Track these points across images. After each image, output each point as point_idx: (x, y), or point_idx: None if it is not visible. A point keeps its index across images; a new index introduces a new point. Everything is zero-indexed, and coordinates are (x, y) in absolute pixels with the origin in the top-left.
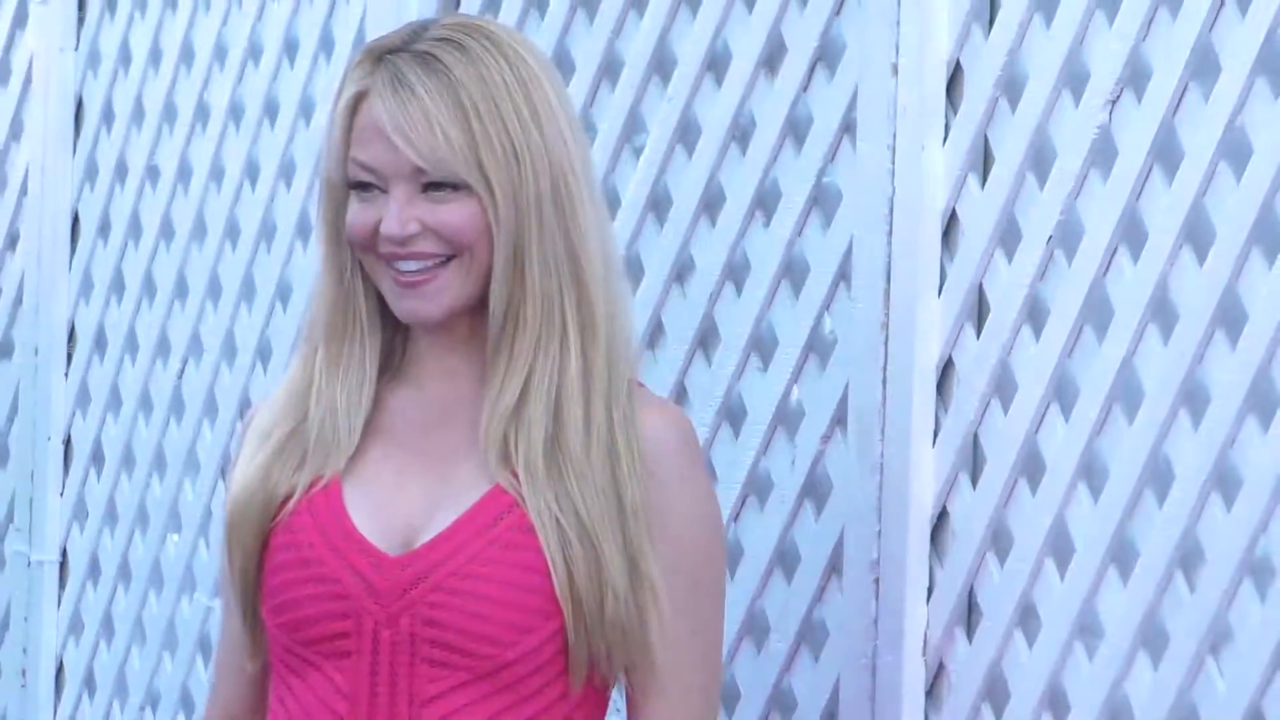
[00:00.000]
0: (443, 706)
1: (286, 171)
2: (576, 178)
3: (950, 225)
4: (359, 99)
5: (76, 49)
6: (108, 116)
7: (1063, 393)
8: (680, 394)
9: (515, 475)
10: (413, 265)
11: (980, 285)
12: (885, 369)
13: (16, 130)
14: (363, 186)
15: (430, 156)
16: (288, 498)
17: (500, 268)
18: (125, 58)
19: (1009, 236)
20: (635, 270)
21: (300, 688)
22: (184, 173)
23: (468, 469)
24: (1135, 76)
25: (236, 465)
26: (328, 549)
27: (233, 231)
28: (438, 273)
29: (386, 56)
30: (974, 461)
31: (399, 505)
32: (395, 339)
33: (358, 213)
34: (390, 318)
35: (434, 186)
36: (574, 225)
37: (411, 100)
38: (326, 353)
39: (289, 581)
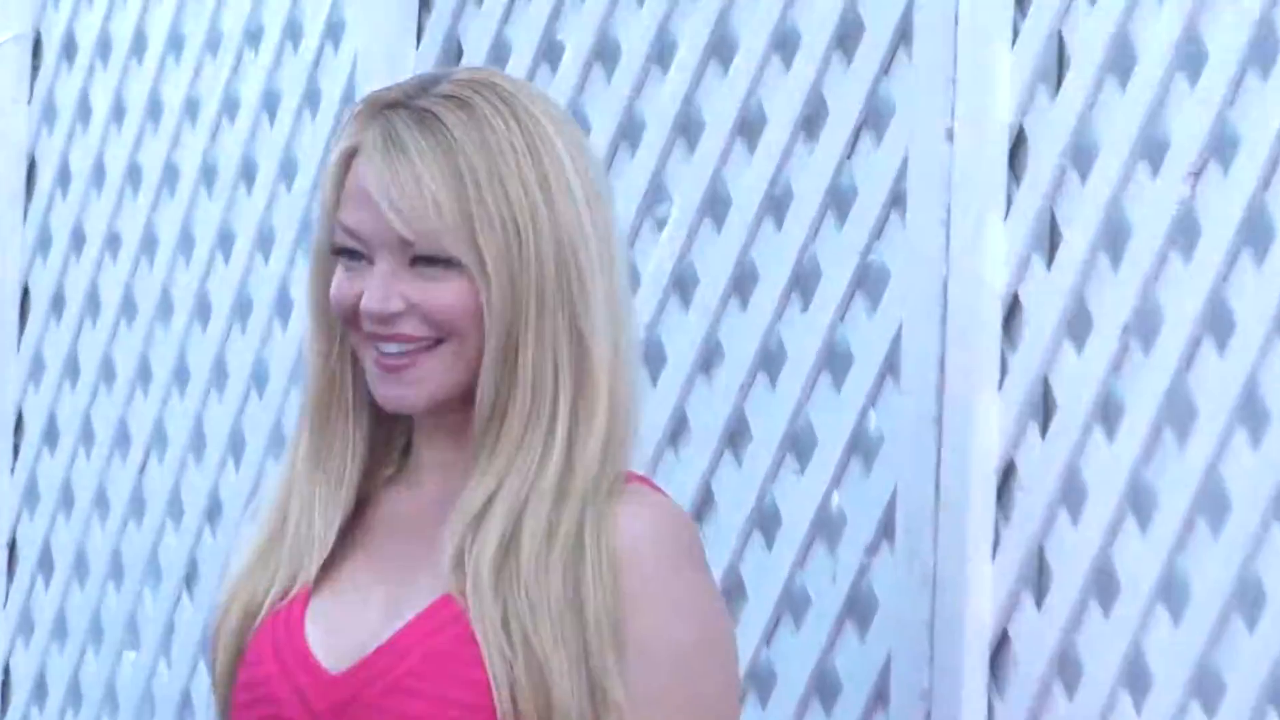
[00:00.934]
0: None
1: (264, 240)
2: (589, 255)
3: (1012, 310)
4: (350, 155)
5: (30, 102)
6: (63, 178)
7: (1139, 502)
8: (706, 498)
9: (456, 581)
10: (394, 348)
11: (1046, 379)
12: (938, 472)
13: None
14: (349, 254)
15: (419, 227)
16: (263, 604)
17: (490, 356)
18: (84, 112)
19: (1078, 324)
20: (656, 356)
21: None
22: (149, 242)
23: (429, 575)
24: (1221, 145)
25: (236, 558)
26: (278, 668)
27: (203, 308)
28: (422, 357)
29: (384, 111)
30: (1039, 578)
31: (362, 616)
32: (397, 428)
33: (342, 283)
34: None
35: (423, 261)
36: (581, 310)
37: (402, 162)
38: (309, 442)
39: (244, 703)
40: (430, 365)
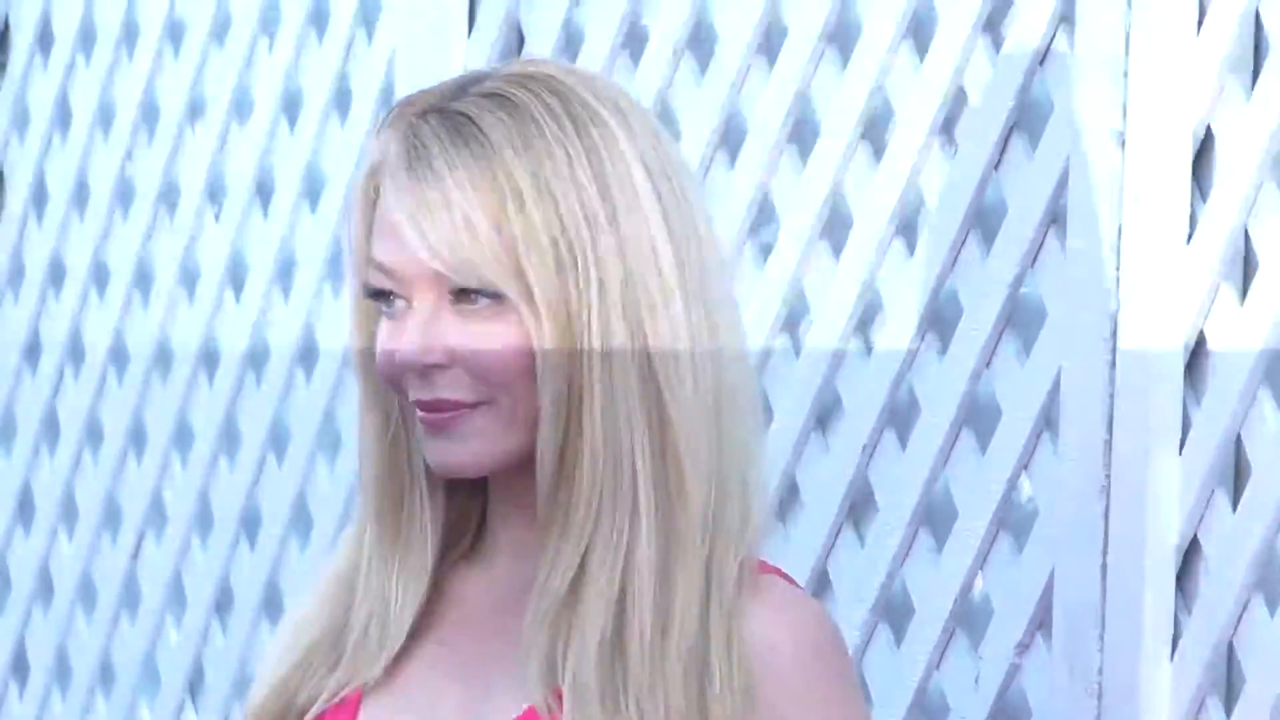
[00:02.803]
0: None
1: (283, 273)
2: (667, 287)
3: (1197, 354)
4: (375, 175)
5: None
6: (39, 198)
7: None
8: (822, 582)
9: (559, 696)
10: (444, 407)
11: (1238, 438)
12: (1105, 553)
13: None
14: (385, 296)
15: (449, 255)
16: (304, 712)
17: (548, 410)
18: (63, 117)
19: (1277, 370)
20: (763, 411)
21: None
22: (143, 277)
23: (509, 680)
24: None
25: (268, 656)
26: None
27: (209, 358)
28: (471, 413)
29: (412, 119)
30: (1228, 682)
31: None
32: (473, 501)
33: (382, 336)
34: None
35: (466, 297)
36: (659, 354)
37: (430, 179)
38: (377, 529)
39: None
40: (480, 420)
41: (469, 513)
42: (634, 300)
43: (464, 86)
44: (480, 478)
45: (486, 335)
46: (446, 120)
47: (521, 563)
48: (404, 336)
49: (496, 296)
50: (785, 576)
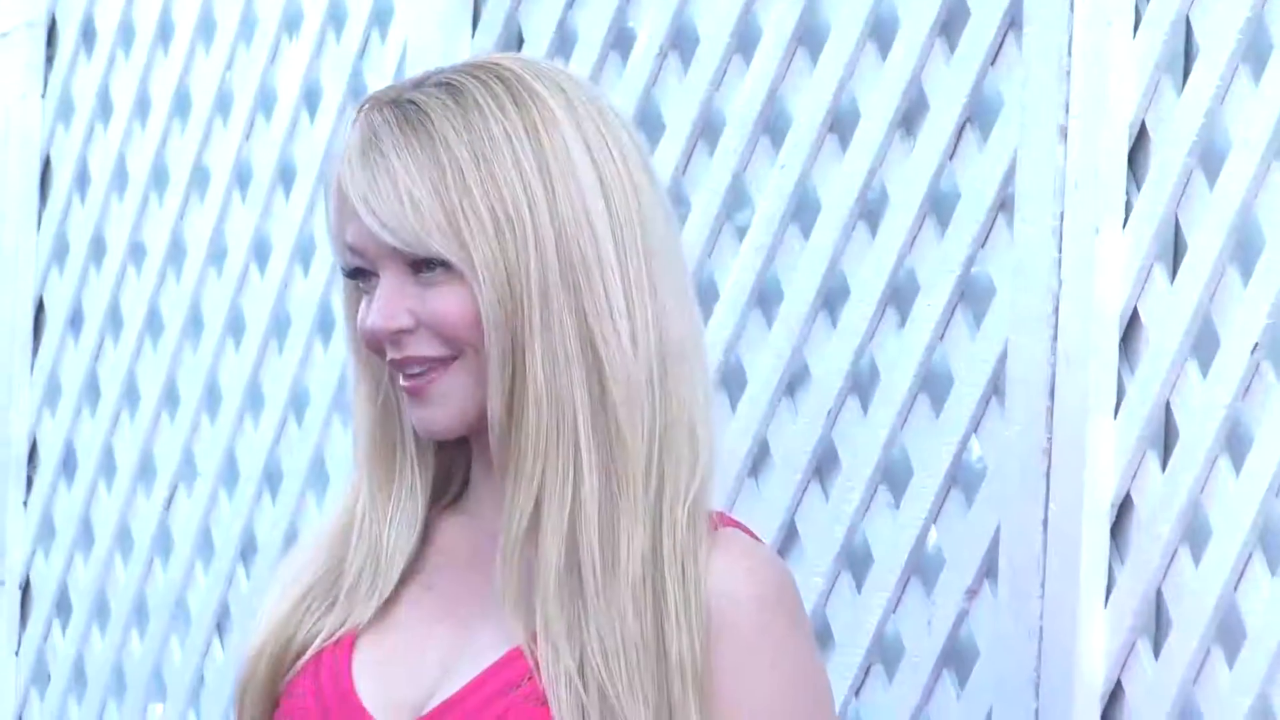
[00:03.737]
0: None
1: (303, 251)
2: (604, 247)
3: (1130, 329)
4: (339, 165)
5: (44, 95)
6: (82, 180)
7: (1268, 541)
8: (790, 534)
9: (534, 635)
10: (414, 368)
11: (1167, 404)
12: (1047, 508)
13: None
14: (359, 274)
15: (399, 230)
16: (304, 651)
17: (494, 365)
18: (104, 107)
19: (1203, 344)
20: (736, 379)
21: None
22: (176, 252)
23: (493, 620)
24: None
25: (268, 599)
26: (321, 718)
27: (236, 326)
28: (441, 374)
29: (370, 111)
30: (1156, 626)
31: (416, 663)
32: (459, 456)
33: (362, 309)
34: None
35: (424, 266)
36: (594, 311)
37: (379, 163)
38: (371, 482)
39: None
40: (451, 382)
41: (454, 468)
42: (569, 263)
43: (421, 80)
44: (462, 437)
45: (443, 298)
46: (398, 109)
47: (499, 512)
48: (375, 309)
49: (446, 265)
50: (746, 530)
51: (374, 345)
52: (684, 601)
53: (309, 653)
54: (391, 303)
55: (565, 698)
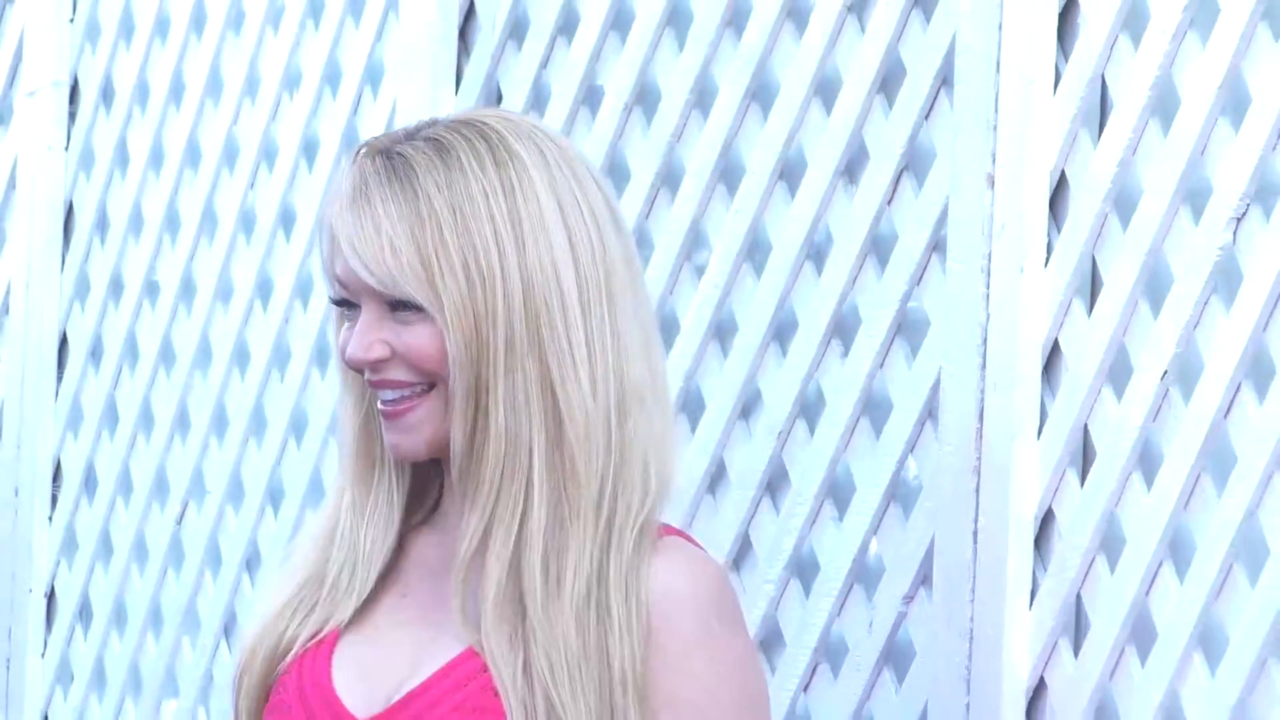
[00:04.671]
0: None
1: (303, 289)
2: (568, 299)
3: (1052, 358)
4: (328, 205)
5: (67, 148)
6: (101, 225)
7: (1177, 550)
8: (744, 546)
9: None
10: (391, 394)
11: (1085, 426)
12: (976, 521)
13: None
14: (344, 304)
15: (379, 272)
16: (291, 648)
17: (458, 401)
18: (122, 158)
19: (1118, 371)
20: (695, 406)
21: None
22: (187, 289)
23: (453, 627)
24: (1263, 191)
25: (262, 601)
26: (303, 712)
27: (241, 356)
28: (417, 403)
29: (363, 159)
30: (1076, 627)
31: (389, 661)
32: (433, 476)
33: (344, 334)
34: None
35: (401, 306)
36: (555, 359)
37: (366, 210)
38: (353, 492)
39: None
40: (424, 411)
41: (429, 485)
42: (534, 312)
43: (414, 132)
44: (436, 458)
45: (415, 335)
46: (388, 160)
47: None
48: (354, 339)
49: (419, 307)
50: (689, 538)
51: (355, 366)
52: (627, 615)
53: (294, 650)
54: (368, 334)
55: (513, 696)
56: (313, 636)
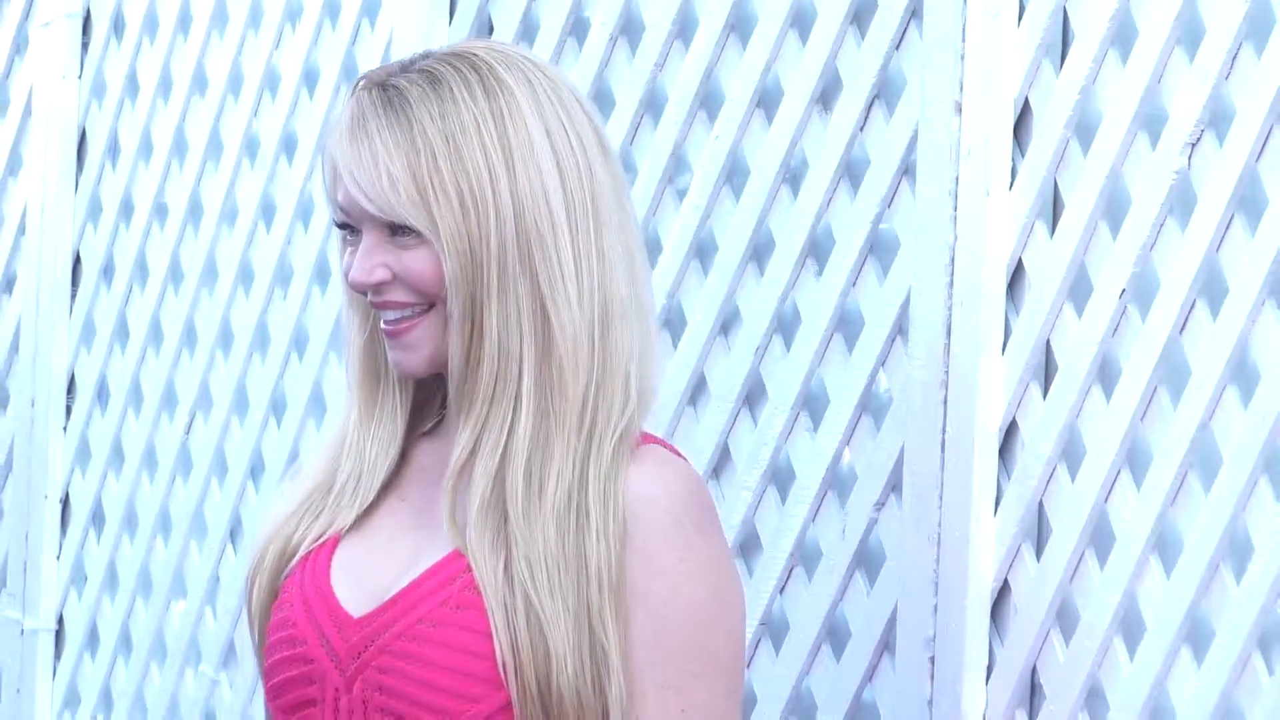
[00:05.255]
0: None
1: (304, 211)
2: (558, 221)
3: (1016, 277)
4: (329, 133)
5: (80, 77)
6: (113, 150)
7: (1135, 459)
8: (723, 455)
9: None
10: (392, 314)
11: (1048, 342)
12: (944, 431)
13: (14, 164)
14: (346, 228)
15: (378, 200)
16: (298, 551)
17: (455, 321)
18: (132, 87)
19: (1079, 289)
20: (677, 322)
21: None
22: (194, 211)
23: (443, 530)
24: (1217, 118)
25: (272, 509)
26: (303, 610)
27: (246, 275)
28: (417, 322)
29: (362, 91)
30: (1038, 532)
31: (385, 562)
32: (435, 391)
33: (346, 258)
34: None
35: (400, 231)
36: (545, 278)
37: (364, 140)
38: (359, 405)
39: (273, 644)
40: (424, 330)
41: (433, 398)
42: (525, 235)
43: (409, 65)
44: (438, 373)
45: (414, 259)
46: (384, 93)
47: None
48: (356, 263)
49: (417, 232)
50: (669, 447)
51: (358, 289)
52: (604, 518)
53: (300, 553)
54: (370, 259)
55: (494, 595)
56: (317, 539)
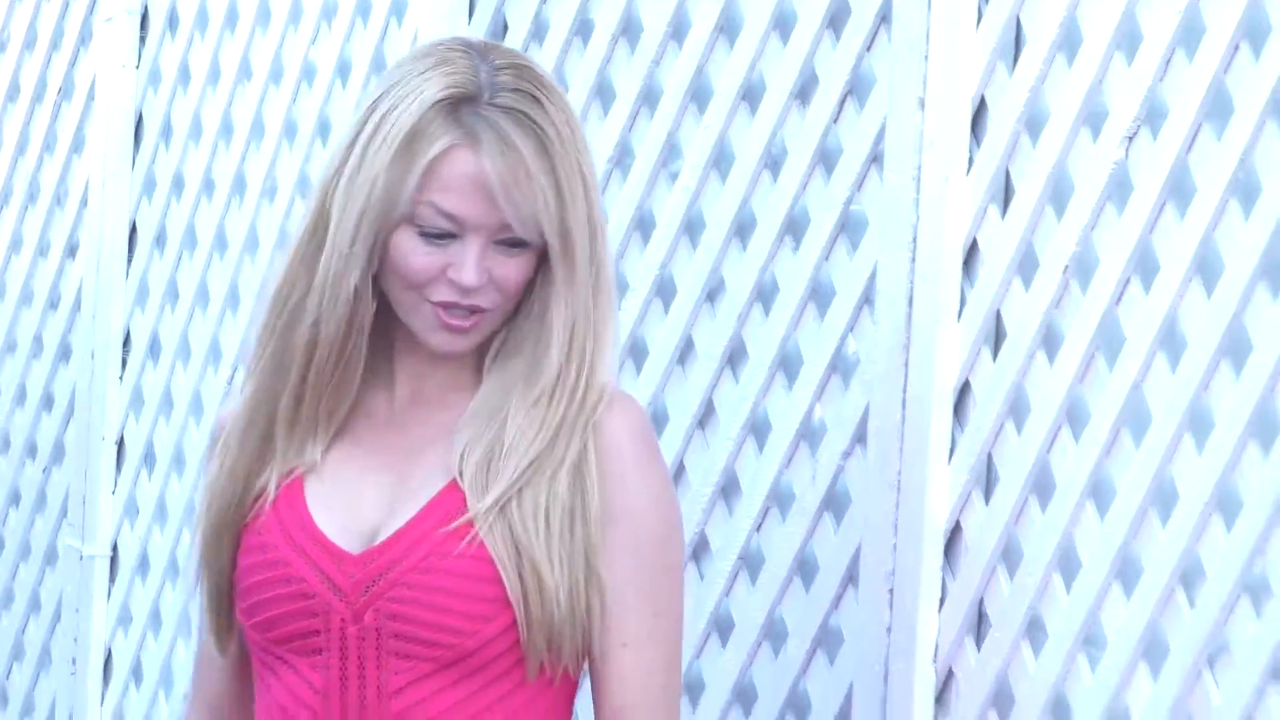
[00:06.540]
0: (410, 696)
1: None
2: (595, 227)
3: (971, 254)
4: (450, 150)
5: (138, 67)
6: (166, 132)
7: (1074, 415)
8: (708, 409)
9: (461, 476)
10: (463, 312)
11: (998, 312)
12: (905, 390)
13: (79, 144)
14: (445, 236)
15: (530, 220)
16: (258, 499)
17: (534, 312)
18: (184, 76)
19: (1027, 265)
20: (668, 291)
21: (275, 684)
22: (238, 187)
23: (425, 468)
24: (1152, 115)
25: (214, 461)
26: (292, 549)
27: (284, 243)
28: (481, 319)
29: (480, 109)
30: (987, 479)
31: (359, 504)
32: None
33: (423, 253)
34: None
35: (511, 243)
36: (599, 274)
37: (521, 164)
38: (324, 357)
39: (259, 583)
40: (486, 324)
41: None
42: (595, 243)
43: (492, 86)
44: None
45: (518, 266)
46: (509, 116)
47: (419, 385)
48: (466, 267)
49: (528, 244)
50: (627, 394)
51: (424, 283)
52: (587, 454)
53: (266, 495)
54: (481, 264)
55: (496, 526)
56: (279, 483)
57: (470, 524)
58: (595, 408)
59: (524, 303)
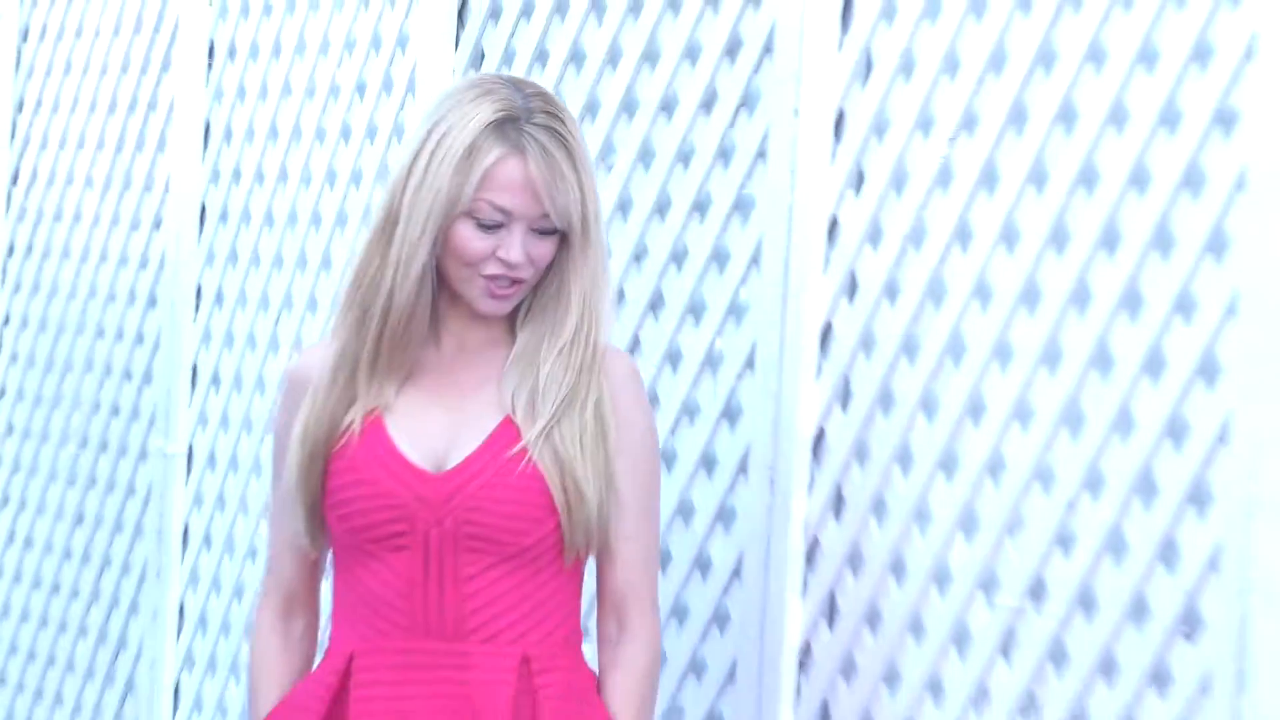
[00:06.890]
0: (478, 581)
1: (357, 180)
2: (601, 218)
3: (833, 226)
4: (503, 158)
5: (206, 86)
6: (228, 135)
7: (909, 348)
8: (635, 344)
9: (515, 411)
10: (507, 282)
11: (853, 270)
12: (783, 328)
13: (162, 144)
14: (495, 226)
15: (564, 211)
16: (344, 433)
17: (556, 284)
18: (241, 93)
19: (873, 235)
20: (645, 257)
21: (366, 574)
22: (283, 177)
23: (480, 403)
24: (969, 121)
25: (306, 402)
26: (381, 470)
27: (341, 220)
28: (520, 288)
29: (523, 128)
30: (845, 393)
31: (427, 435)
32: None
33: (479, 239)
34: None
35: (543, 230)
36: (605, 256)
37: (558, 169)
38: (398, 318)
39: (353, 497)
40: (521, 291)
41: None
42: (599, 237)
43: (532, 108)
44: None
45: (549, 246)
46: (548, 133)
47: (461, 339)
48: (514, 249)
49: (557, 231)
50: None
51: (475, 261)
52: (600, 394)
53: (352, 430)
54: (524, 247)
55: (546, 454)
56: (362, 419)
57: (525, 450)
58: (603, 355)
59: (546, 274)
